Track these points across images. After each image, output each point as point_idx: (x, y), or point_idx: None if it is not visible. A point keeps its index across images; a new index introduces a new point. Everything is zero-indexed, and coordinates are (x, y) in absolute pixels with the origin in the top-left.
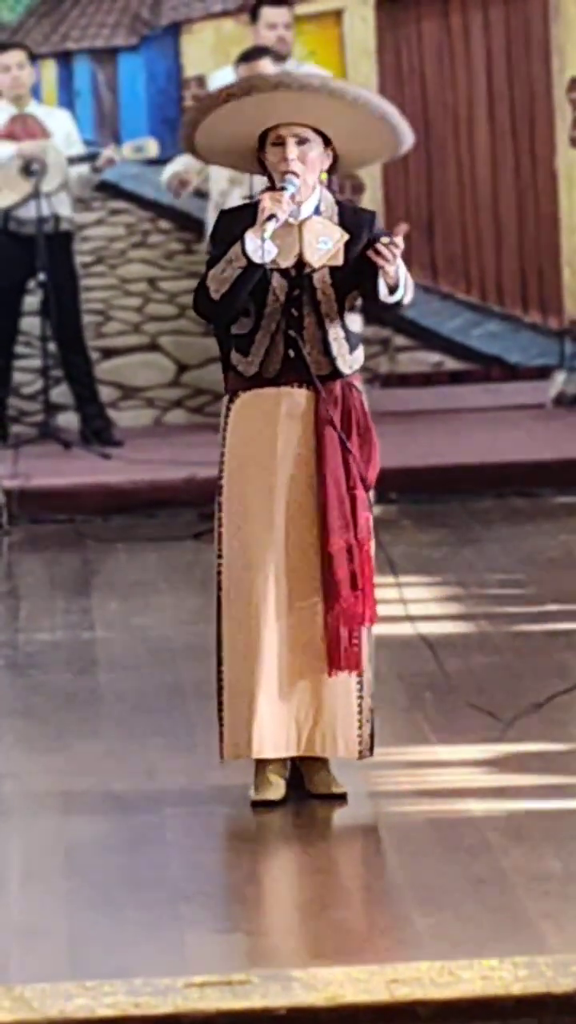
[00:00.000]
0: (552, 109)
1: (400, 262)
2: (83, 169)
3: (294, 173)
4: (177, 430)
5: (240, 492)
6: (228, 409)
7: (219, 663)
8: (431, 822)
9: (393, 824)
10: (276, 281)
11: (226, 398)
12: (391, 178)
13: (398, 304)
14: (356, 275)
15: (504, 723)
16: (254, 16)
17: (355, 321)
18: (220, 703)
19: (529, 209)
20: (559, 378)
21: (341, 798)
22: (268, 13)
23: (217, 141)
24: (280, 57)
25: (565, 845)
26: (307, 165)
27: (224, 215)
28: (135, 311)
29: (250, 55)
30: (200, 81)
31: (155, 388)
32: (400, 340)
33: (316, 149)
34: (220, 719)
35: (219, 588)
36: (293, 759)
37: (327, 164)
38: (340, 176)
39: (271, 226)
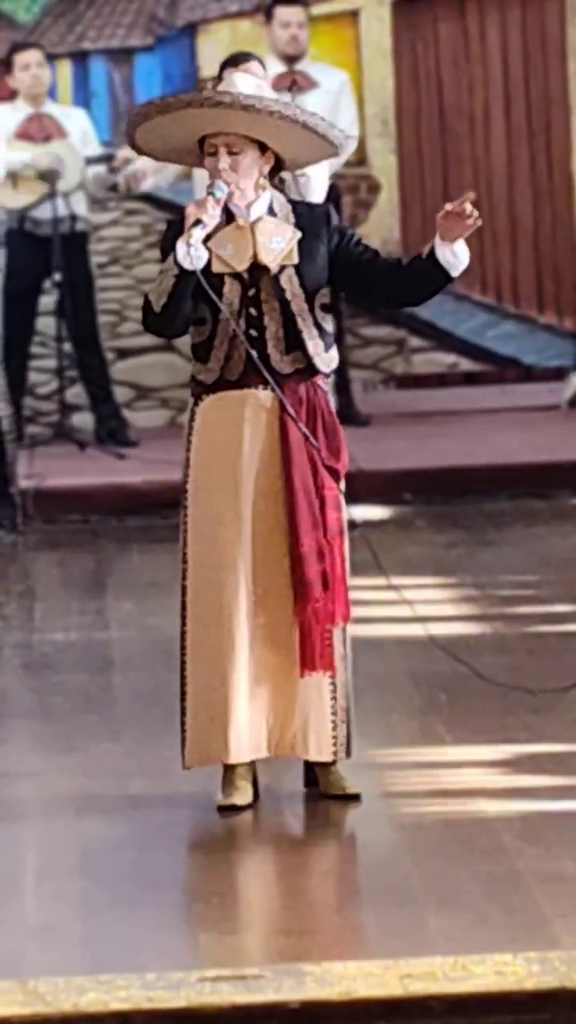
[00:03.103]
0: (568, 110)
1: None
2: (100, 169)
3: (225, 181)
4: None
5: (207, 495)
6: (193, 412)
7: (183, 668)
8: (445, 823)
9: (407, 825)
10: (228, 285)
11: (191, 401)
12: (407, 178)
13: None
14: (331, 272)
15: (538, 697)
16: (268, 15)
17: (328, 320)
18: (183, 709)
19: (545, 210)
20: (574, 379)
21: (355, 799)
22: (282, 12)
23: (158, 147)
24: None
25: None
26: (240, 172)
27: (169, 226)
28: None
29: (235, 60)
30: (216, 81)
31: (170, 388)
32: (415, 341)
33: (250, 156)
34: (183, 725)
35: (183, 593)
36: (306, 761)
37: (267, 167)
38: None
39: (197, 232)
